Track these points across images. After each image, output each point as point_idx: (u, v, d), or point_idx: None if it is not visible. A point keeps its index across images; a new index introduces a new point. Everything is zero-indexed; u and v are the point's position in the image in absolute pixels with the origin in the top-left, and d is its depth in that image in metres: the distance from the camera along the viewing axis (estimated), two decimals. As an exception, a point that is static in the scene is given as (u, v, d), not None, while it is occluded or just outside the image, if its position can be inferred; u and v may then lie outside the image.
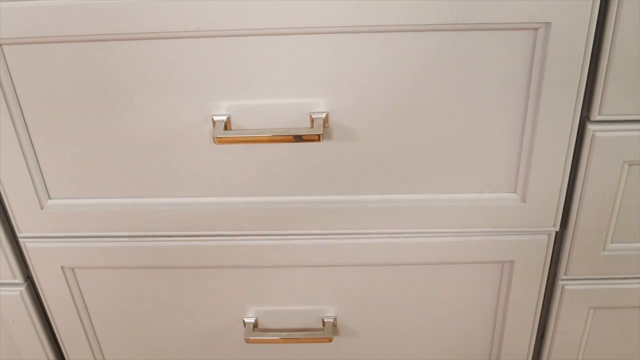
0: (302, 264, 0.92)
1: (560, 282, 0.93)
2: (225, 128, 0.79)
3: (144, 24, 0.72)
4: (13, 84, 0.78)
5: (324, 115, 0.79)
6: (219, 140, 0.78)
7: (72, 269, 0.95)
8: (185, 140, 0.82)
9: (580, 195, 0.84)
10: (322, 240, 0.90)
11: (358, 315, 0.99)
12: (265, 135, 0.78)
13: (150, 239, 0.91)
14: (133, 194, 0.87)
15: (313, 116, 0.78)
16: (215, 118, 0.79)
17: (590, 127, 0.79)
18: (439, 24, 0.71)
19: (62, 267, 0.94)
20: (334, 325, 1.00)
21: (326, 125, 0.79)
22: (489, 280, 0.94)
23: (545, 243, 0.88)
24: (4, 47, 0.76)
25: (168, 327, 1.02)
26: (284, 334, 0.99)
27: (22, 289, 0.96)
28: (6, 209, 0.89)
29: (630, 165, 0.81)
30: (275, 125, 0.80)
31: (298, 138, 0.77)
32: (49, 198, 0.88)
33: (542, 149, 0.80)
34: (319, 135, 0.77)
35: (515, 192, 0.85)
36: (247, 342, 0.98)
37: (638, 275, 0.92)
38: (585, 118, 0.79)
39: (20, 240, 0.92)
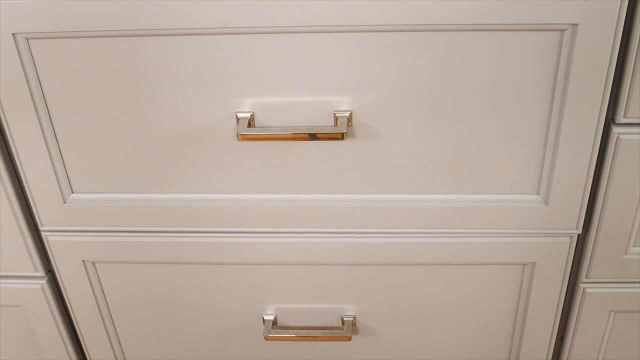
0: (322, 261, 0.92)
1: (582, 285, 0.92)
2: (249, 125, 0.79)
3: (170, 21, 0.72)
4: (39, 78, 0.79)
5: (347, 114, 0.78)
6: (243, 138, 0.78)
7: (94, 263, 0.95)
8: (208, 136, 0.82)
9: (604, 198, 0.83)
10: (343, 239, 0.90)
11: (377, 314, 0.99)
12: (288, 133, 0.78)
13: (172, 234, 0.91)
14: (156, 190, 0.87)
15: (337, 115, 0.78)
16: (239, 115, 0.79)
17: (615, 130, 0.78)
18: (465, 24, 0.71)
19: (83, 261, 0.94)
20: (354, 324, 1.00)
21: (350, 124, 0.79)
22: (509, 281, 0.94)
23: (567, 245, 0.88)
24: (30, 41, 0.76)
25: (188, 323, 1.02)
26: (303, 332, 0.99)
27: (44, 282, 0.96)
28: (29, 202, 0.89)
29: (655, 168, 0.81)
30: (299, 123, 0.80)
31: (322, 136, 0.77)
32: (72, 192, 0.89)
33: (566, 151, 0.79)
34: (342, 134, 0.77)
35: (538, 193, 0.85)
36: (266, 339, 0.98)
37: (660, 280, 0.91)
38: (610, 120, 0.79)
39: (43, 234, 0.92)
